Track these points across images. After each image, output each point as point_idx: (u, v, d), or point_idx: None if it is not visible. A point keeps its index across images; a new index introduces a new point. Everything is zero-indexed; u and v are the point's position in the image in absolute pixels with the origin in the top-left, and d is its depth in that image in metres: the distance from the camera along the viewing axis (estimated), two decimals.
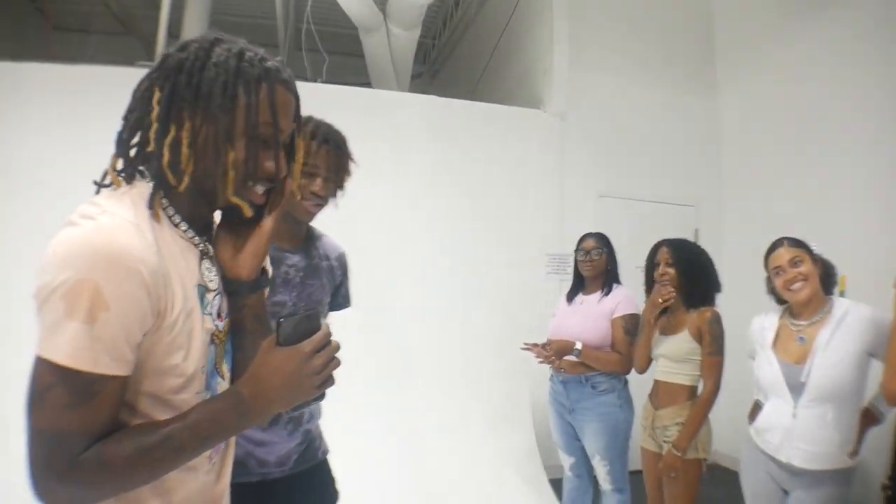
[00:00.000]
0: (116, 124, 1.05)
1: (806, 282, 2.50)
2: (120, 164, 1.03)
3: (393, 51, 6.33)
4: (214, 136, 1.01)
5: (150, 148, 1.01)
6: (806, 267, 2.51)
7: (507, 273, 5.12)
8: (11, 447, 3.30)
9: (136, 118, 1.04)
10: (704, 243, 3.45)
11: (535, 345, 3.28)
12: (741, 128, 5.80)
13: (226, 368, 1.14)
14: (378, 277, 4.45)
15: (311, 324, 1.00)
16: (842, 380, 2.39)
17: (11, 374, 3.60)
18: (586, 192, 5.52)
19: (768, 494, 2.61)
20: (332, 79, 5.74)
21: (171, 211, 1.04)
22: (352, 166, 1.93)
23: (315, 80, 5.70)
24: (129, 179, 1.02)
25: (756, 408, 2.74)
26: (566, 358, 3.24)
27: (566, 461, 3.46)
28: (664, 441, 2.95)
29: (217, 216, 1.16)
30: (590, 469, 3.35)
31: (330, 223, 2.02)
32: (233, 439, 1.20)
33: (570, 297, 3.51)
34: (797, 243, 2.59)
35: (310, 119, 1.86)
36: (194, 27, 5.73)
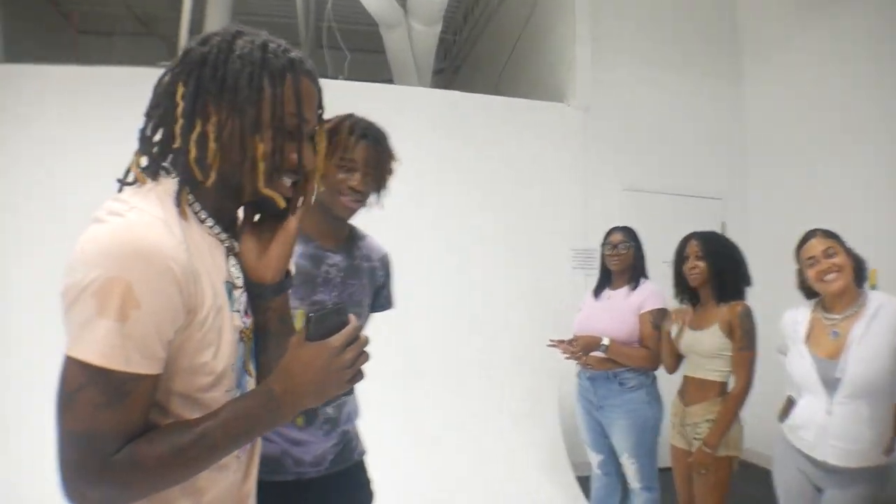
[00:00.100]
0: (140, 123, 1.04)
1: (840, 273, 2.46)
2: (144, 161, 1.02)
3: (414, 47, 6.32)
4: (241, 129, 1.00)
5: (176, 144, 0.99)
6: (840, 258, 2.48)
7: (532, 268, 5.10)
8: (11, 447, 3.37)
9: (159, 114, 1.02)
10: (731, 236, 3.39)
11: (562, 341, 3.25)
12: (767, 118, 5.72)
13: (252, 367, 1.13)
14: (404, 274, 4.44)
15: (339, 318, 0.99)
16: (877, 375, 2.35)
17: (11, 374, 3.70)
18: (611, 186, 5.48)
19: (802, 492, 2.57)
20: (354, 76, 5.74)
21: (197, 207, 1.03)
22: (394, 164, 1.91)
23: (337, 78, 5.70)
24: (154, 176, 1.00)
25: (789, 404, 2.69)
26: (593, 354, 3.20)
27: (594, 459, 3.42)
28: (694, 438, 2.90)
29: (240, 214, 1.15)
30: (618, 467, 3.31)
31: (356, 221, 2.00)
32: (259, 439, 1.19)
33: (597, 291, 3.47)
34: (830, 234, 2.56)
35: (349, 115, 1.86)
36: (216, 27, 5.74)
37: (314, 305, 1.79)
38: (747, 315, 2.89)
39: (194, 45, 1.04)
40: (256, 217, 1.14)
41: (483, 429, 4.61)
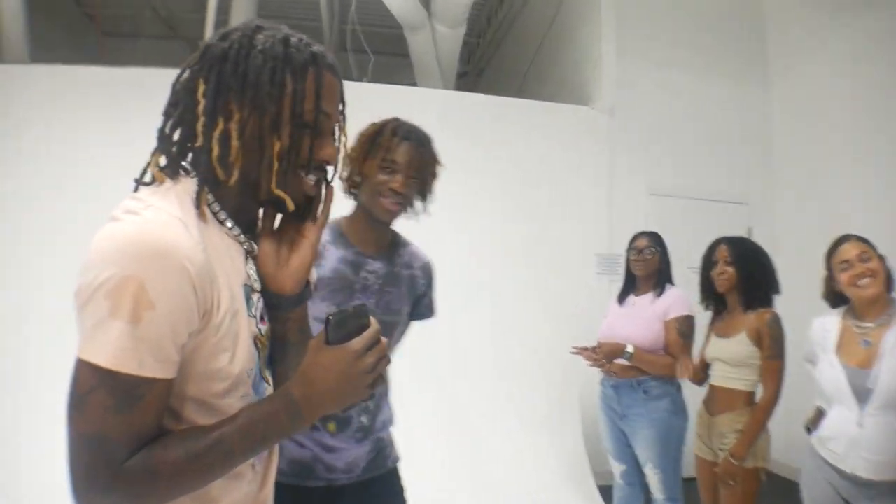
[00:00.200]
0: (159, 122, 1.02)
1: (874, 278, 2.42)
2: (163, 161, 1.00)
3: (438, 49, 6.31)
4: (261, 126, 0.98)
5: (198, 142, 0.97)
6: (874, 263, 2.44)
7: (555, 274, 5.05)
8: (31, 451, 3.38)
9: (179, 112, 1.00)
10: (757, 242, 3.33)
11: (585, 348, 3.20)
12: (794, 122, 5.63)
13: (268, 374, 1.10)
14: None
15: (360, 321, 0.96)
16: None
17: (28, 374, 3.72)
18: (636, 190, 5.42)
19: None
20: (378, 79, 5.75)
21: (216, 207, 1.00)
22: (438, 168, 1.90)
23: (360, 81, 5.71)
24: (173, 175, 0.98)
25: (818, 415, 2.63)
26: (617, 361, 3.16)
27: (617, 468, 3.37)
28: (720, 449, 2.85)
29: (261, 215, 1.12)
30: (641, 477, 3.25)
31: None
32: (276, 447, 1.16)
33: (622, 298, 3.42)
34: (864, 240, 2.52)
35: (394, 118, 1.85)
36: None
37: None
38: (776, 323, 2.84)
39: (214, 41, 1.02)
40: (277, 221, 1.11)
41: (504, 436, 4.57)
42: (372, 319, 0.98)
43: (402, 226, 1.94)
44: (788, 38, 5.74)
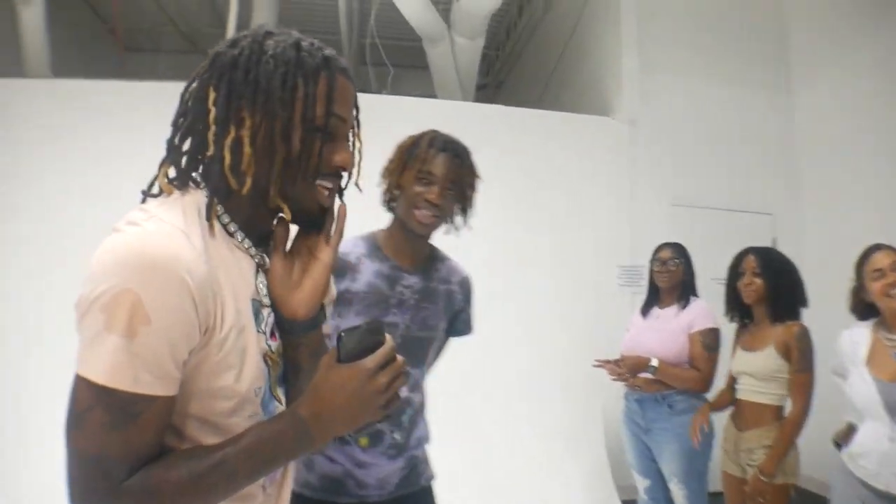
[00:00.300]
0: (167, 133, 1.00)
1: None
2: (172, 172, 0.98)
3: (457, 61, 6.32)
4: (272, 132, 0.95)
5: (209, 152, 0.94)
6: None
7: (576, 285, 5.00)
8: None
9: (189, 123, 0.98)
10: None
11: (608, 361, 3.16)
12: (819, 131, 5.55)
13: (280, 392, 1.06)
14: None
15: (374, 338, 0.92)
16: None
17: (40, 390, 3.75)
18: (658, 201, 5.35)
19: None
20: (397, 91, 5.76)
21: (226, 219, 0.97)
22: (477, 181, 1.87)
23: (380, 93, 5.73)
24: (182, 187, 0.96)
25: (849, 430, 2.57)
26: (641, 375, 3.11)
27: (641, 484, 3.31)
28: (748, 465, 2.79)
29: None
30: (666, 492, 3.19)
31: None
32: (290, 468, 1.12)
33: (645, 310, 3.38)
34: (895, 250, 2.46)
35: (431, 130, 1.84)
36: None
37: (386, 328, 1.74)
38: (805, 335, 2.78)
39: (223, 49, 0.99)
40: (289, 242, 1.07)
41: (526, 450, 4.53)
42: (387, 336, 0.94)
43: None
44: (811, 45, 5.67)
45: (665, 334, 3.17)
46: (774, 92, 5.81)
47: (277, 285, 1.03)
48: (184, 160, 0.98)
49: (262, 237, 1.05)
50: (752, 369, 2.85)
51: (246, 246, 1.00)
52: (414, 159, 1.77)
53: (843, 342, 2.60)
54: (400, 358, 0.94)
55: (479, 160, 1.83)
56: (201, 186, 0.97)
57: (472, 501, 4.05)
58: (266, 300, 1.02)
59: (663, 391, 3.10)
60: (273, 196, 0.98)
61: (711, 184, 5.52)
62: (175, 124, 1.00)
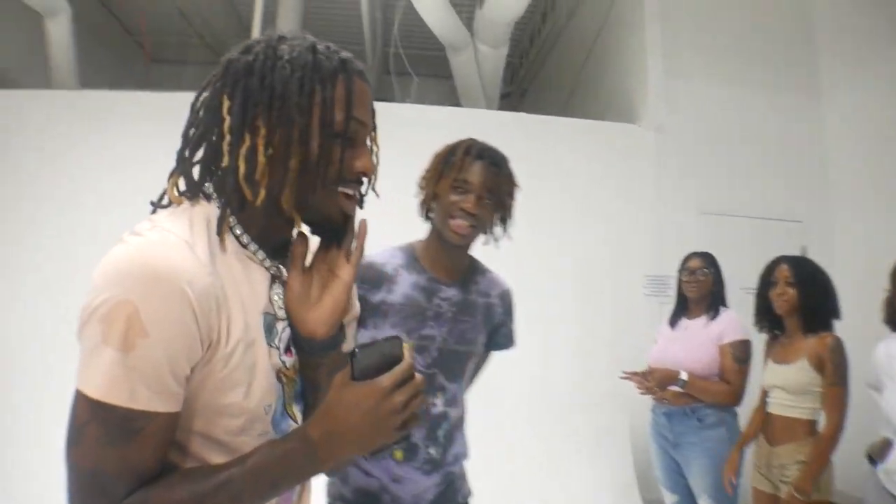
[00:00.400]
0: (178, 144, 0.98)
1: None
2: (182, 183, 0.95)
3: (481, 69, 6.30)
4: (288, 140, 0.91)
5: (224, 162, 0.91)
6: None
7: (603, 296, 4.95)
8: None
9: (200, 133, 0.95)
10: None
11: (636, 373, 3.10)
12: (850, 138, 5.43)
13: (296, 410, 1.02)
14: None
15: (391, 355, 0.86)
16: None
17: (52, 401, 3.78)
18: (685, 209, 5.26)
19: None
20: (421, 100, 5.75)
21: (238, 230, 0.94)
22: (515, 191, 1.83)
23: (404, 102, 5.73)
24: (192, 199, 0.93)
25: (884, 445, 2.49)
26: (670, 388, 3.04)
27: (669, 499, 3.24)
28: (781, 481, 2.71)
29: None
30: None
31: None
32: (309, 488, 1.08)
33: (674, 321, 3.31)
34: None
35: (469, 139, 1.81)
36: None
37: (423, 341, 1.72)
38: (839, 348, 2.69)
39: (236, 55, 0.96)
40: (308, 258, 1.03)
41: (553, 464, 4.48)
42: (406, 353, 0.88)
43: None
44: (840, 49, 5.56)
45: (694, 346, 3.10)
46: (803, 97, 5.69)
47: (295, 303, 0.98)
48: (195, 171, 0.95)
49: (277, 248, 1.01)
50: (785, 382, 2.77)
51: (260, 258, 0.96)
52: (450, 168, 1.74)
53: (879, 355, 2.53)
54: (419, 376, 0.88)
55: None
56: (213, 198, 0.94)
57: None
58: (281, 313, 0.98)
59: (692, 404, 3.03)
60: (288, 205, 0.94)
61: (739, 191, 5.42)
62: (185, 135, 0.97)
